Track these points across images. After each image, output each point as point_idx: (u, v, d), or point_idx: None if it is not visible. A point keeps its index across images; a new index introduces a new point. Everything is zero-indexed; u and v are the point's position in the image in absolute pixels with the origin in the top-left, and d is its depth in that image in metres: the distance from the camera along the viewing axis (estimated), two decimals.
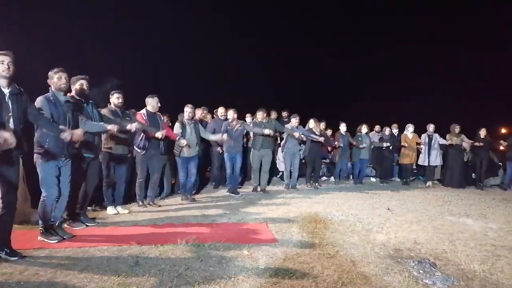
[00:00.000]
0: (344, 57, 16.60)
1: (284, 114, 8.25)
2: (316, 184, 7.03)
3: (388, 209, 4.82)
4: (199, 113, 6.32)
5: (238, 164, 5.95)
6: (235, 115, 5.96)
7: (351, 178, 8.20)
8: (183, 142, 4.83)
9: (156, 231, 3.54)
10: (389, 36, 15.86)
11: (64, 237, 3.15)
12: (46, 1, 9.29)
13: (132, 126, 3.97)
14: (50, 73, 3.13)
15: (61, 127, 2.90)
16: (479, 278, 2.50)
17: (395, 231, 3.67)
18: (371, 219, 4.16)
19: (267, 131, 5.93)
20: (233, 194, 5.76)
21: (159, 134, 4.60)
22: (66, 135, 2.83)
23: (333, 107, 14.43)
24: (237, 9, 15.06)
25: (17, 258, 2.61)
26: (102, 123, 3.64)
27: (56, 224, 3.21)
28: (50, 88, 3.12)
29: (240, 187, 6.51)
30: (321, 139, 6.78)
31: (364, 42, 16.59)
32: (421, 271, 2.56)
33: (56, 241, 3.03)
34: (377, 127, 8.71)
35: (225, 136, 5.36)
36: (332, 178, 8.21)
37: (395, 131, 8.21)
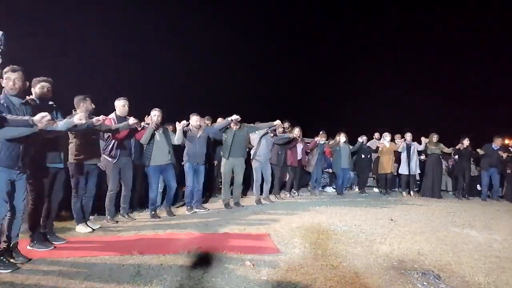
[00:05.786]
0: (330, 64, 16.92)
1: (286, 125, 8.24)
2: (273, 195, 6.55)
3: (392, 219, 4.78)
4: (195, 119, 6.12)
5: (201, 177, 5.27)
6: (199, 122, 5.33)
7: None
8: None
9: (158, 241, 3.54)
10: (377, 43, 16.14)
11: (19, 262, 2.71)
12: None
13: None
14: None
15: (25, 118, 2.51)
16: None
17: (399, 242, 3.64)
18: (374, 230, 4.13)
19: (234, 117, 5.34)
20: (197, 210, 5.17)
21: (131, 121, 4.19)
22: (37, 119, 2.43)
23: (317, 115, 14.66)
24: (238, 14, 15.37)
25: None
26: (71, 119, 3.02)
27: (11, 245, 2.75)
28: (3, 89, 2.74)
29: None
30: (293, 135, 6.61)
31: (347, 49, 16.92)
32: (425, 283, 2.53)
33: (9, 271, 2.54)
34: (376, 135, 8.60)
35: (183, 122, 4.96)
36: (309, 187, 7.97)
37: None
